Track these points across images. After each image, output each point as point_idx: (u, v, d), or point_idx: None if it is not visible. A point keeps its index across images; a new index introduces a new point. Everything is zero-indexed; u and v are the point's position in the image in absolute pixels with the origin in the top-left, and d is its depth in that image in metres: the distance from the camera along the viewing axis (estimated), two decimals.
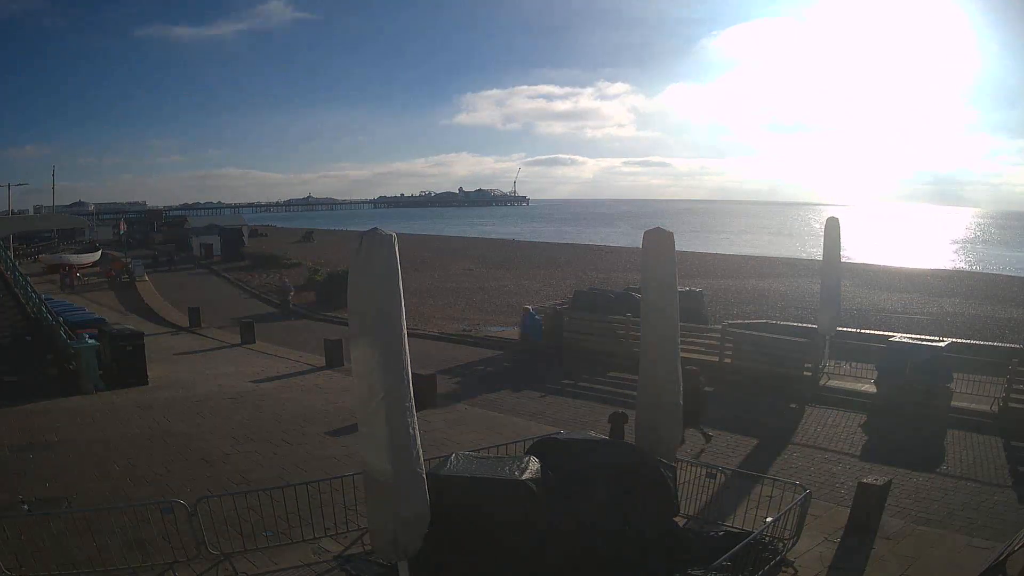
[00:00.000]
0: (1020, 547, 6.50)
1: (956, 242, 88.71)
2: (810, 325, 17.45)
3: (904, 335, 16.43)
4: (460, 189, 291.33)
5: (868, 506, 8.19)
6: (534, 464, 6.96)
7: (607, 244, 69.36)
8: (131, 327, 19.22)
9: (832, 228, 16.21)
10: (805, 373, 15.60)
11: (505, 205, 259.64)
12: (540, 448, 7.53)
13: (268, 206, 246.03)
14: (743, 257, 55.16)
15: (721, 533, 7.97)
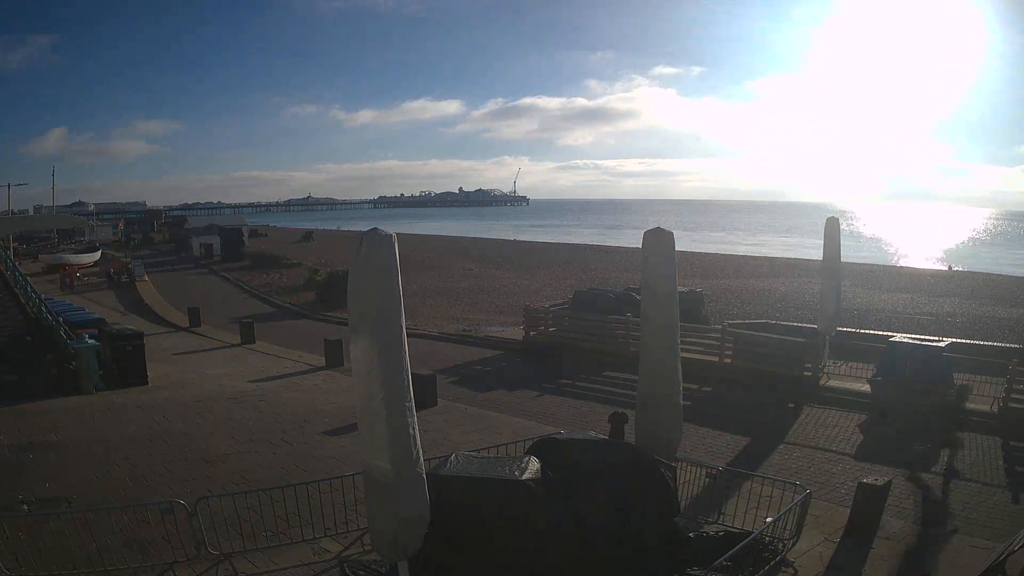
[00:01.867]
0: (1020, 547, 6.50)
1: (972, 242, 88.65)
2: (810, 325, 17.46)
3: (904, 335, 16.44)
4: (460, 189, 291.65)
5: (868, 506, 8.19)
6: (534, 464, 6.95)
7: (607, 244, 69.37)
8: (131, 327, 19.24)
9: (832, 228, 16.21)
10: (805, 373, 15.61)
11: (505, 205, 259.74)
12: (540, 448, 7.53)
13: (268, 206, 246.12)
14: (743, 257, 55.16)
15: (721, 533, 7.98)
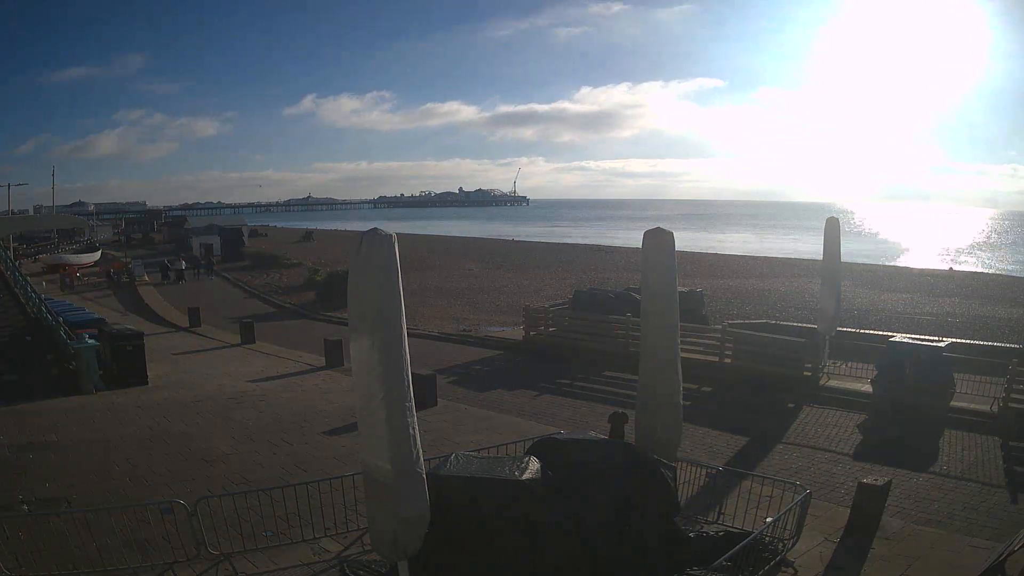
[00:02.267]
0: (1020, 547, 6.51)
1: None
2: (810, 325, 17.46)
3: (904, 335, 16.44)
4: (460, 189, 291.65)
5: (868, 506, 8.18)
6: (534, 464, 6.95)
7: (607, 244, 69.39)
8: (131, 327, 19.23)
9: (832, 228, 16.21)
10: (805, 373, 15.61)
11: (505, 205, 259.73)
12: (540, 448, 7.52)
13: (268, 206, 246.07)
14: (743, 257, 55.18)
15: (721, 533, 7.97)
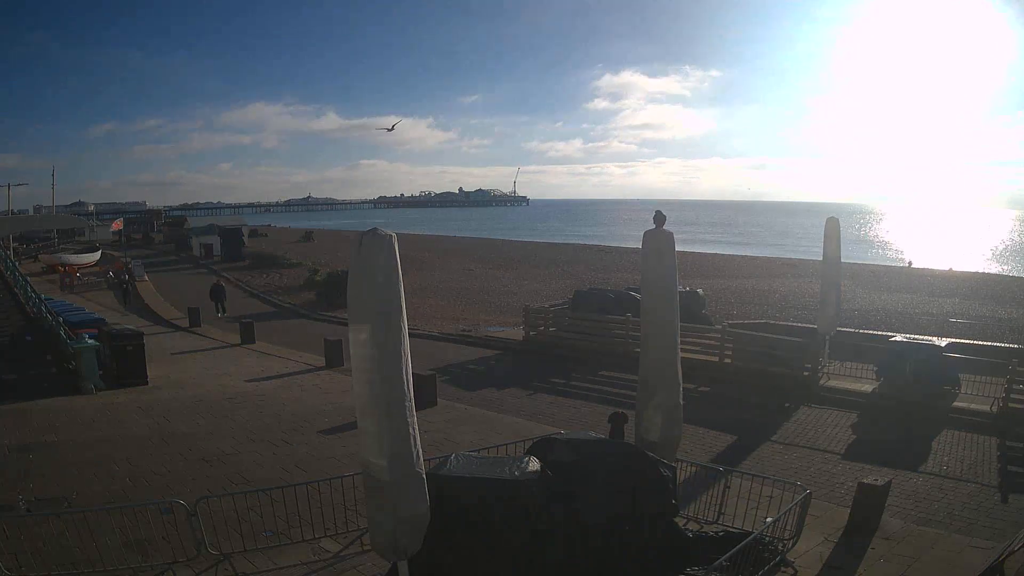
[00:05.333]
0: (1019, 547, 6.52)
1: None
2: (810, 325, 17.46)
3: (904, 335, 16.46)
4: (460, 189, 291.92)
5: (868, 506, 8.18)
6: (534, 464, 6.95)
7: (607, 244, 69.38)
8: (131, 327, 19.24)
9: (832, 228, 16.22)
10: (805, 373, 15.62)
11: (505, 205, 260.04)
12: (540, 448, 7.52)
13: (268, 206, 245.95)
14: (743, 257, 55.21)
15: (721, 533, 7.97)
